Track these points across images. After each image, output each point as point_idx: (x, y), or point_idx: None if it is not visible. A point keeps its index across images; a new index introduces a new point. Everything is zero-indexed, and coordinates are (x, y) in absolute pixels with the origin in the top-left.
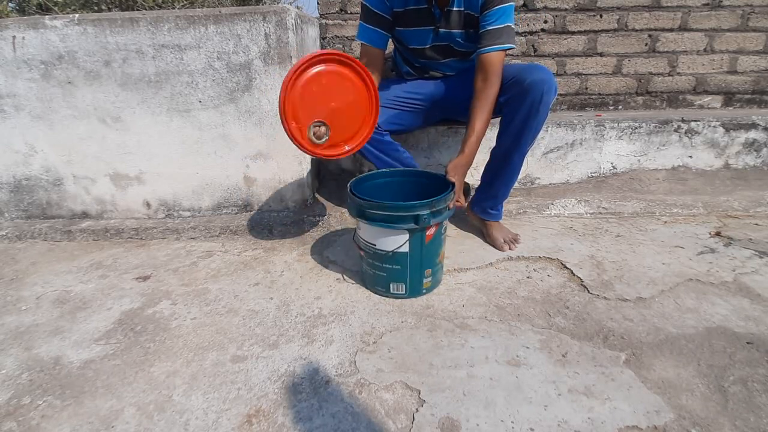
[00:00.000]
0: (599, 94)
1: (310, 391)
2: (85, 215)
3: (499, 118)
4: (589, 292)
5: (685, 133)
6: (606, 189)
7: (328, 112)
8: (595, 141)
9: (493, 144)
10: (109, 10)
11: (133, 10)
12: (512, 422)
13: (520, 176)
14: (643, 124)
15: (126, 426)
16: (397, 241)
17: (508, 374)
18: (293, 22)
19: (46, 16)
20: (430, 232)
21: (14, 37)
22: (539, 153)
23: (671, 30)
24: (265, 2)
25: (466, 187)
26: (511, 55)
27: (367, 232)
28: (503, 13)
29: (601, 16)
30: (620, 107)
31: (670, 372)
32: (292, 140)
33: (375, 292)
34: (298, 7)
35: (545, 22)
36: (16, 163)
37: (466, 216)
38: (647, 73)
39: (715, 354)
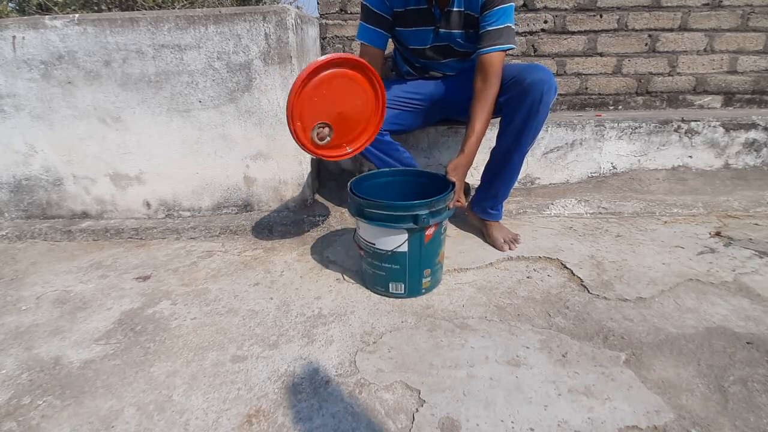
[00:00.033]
0: (599, 94)
1: (310, 391)
2: (85, 215)
3: (499, 118)
4: (589, 292)
5: (685, 133)
6: (606, 189)
7: (335, 115)
8: (595, 141)
9: (493, 144)
10: (109, 10)
11: (133, 10)
12: (512, 422)
13: (520, 176)
14: (643, 124)
15: (126, 426)
16: (396, 241)
17: (508, 374)
18: (293, 22)
19: (46, 16)
20: (429, 232)
21: (14, 37)
22: (539, 153)
23: (671, 30)
24: (265, 2)
25: (466, 187)
26: (511, 55)
27: (367, 232)
28: (503, 13)
29: (601, 16)
30: (620, 107)
31: (670, 372)
32: (295, 140)
33: (375, 292)
34: (298, 7)
35: (545, 22)
36: (16, 163)
37: (466, 216)
38: (647, 73)
39: (715, 354)
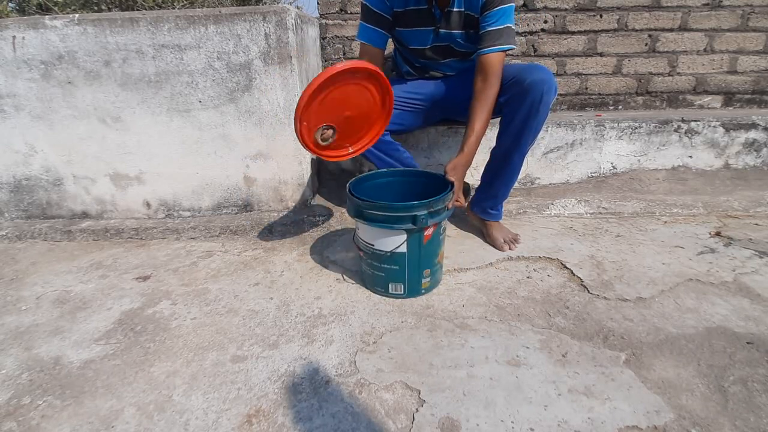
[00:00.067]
0: (599, 94)
1: (310, 391)
2: (85, 215)
3: (499, 118)
4: (589, 292)
5: (685, 133)
6: (606, 189)
7: (341, 118)
8: (595, 141)
9: (493, 144)
10: (109, 10)
11: (133, 10)
12: (512, 422)
13: (520, 176)
14: (643, 124)
15: (126, 426)
16: (395, 242)
17: (508, 374)
18: (293, 22)
19: (46, 16)
20: (428, 232)
21: (14, 37)
22: (539, 153)
23: (671, 30)
24: (265, 2)
25: (466, 187)
26: (511, 55)
27: (366, 233)
28: (503, 14)
29: (601, 16)
30: (620, 107)
31: (670, 372)
32: (300, 141)
33: (374, 292)
34: (298, 7)
35: (545, 22)
36: (16, 163)
37: (466, 216)
38: (647, 73)
39: (715, 354)
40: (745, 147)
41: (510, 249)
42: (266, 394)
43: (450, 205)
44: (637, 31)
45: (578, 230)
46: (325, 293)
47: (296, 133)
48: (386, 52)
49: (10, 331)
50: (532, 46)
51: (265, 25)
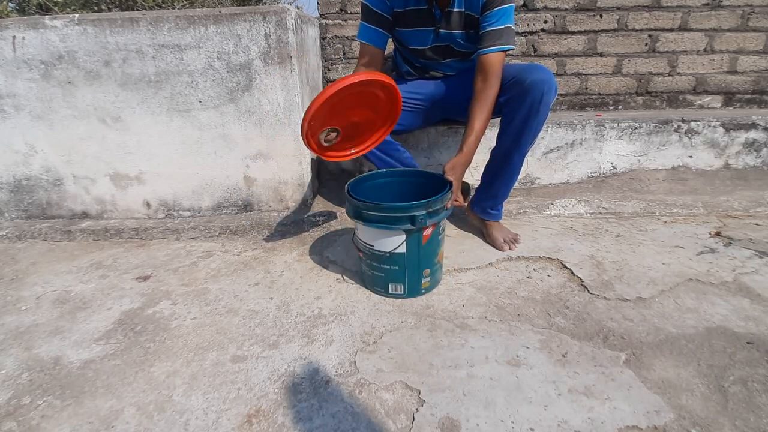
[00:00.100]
0: (599, 94)
1: (310, 391)
2: (85, 215)
3: (499, 118)
4: (589, 292)
5: (685, 133)
6: (606, 189)
7: (347, 123)
8: (595, 141)
9: (493, 144)
10: (109, 10)
11: (133, 10)
12: (512, 422)
13: (520, 176)
14: (643, 124)
15: (126, 426)
16: (394, 242)
17: (508, 374)
18: (293, 22)
19: (46, 16)
20: (427, 232)
21: (14, 37)
22: (539, 153)
23: (671, 30)
24: (265, 2)
25: (466, 187)
26: (511, 55)
27: (365, 234)
28: (503, 14)
29: (601, 16)
30: (620, 107)
31: (670, 372)
32: (305, 143)
33: (374, 293)
34: (298, 7)
35: (545, 22)
36: (16, 163)
37: (466, 216)
38: (647, 73)
39: (715, 354)
40: (745, 147)
41: (510, 249)
42: (266, 394)
43: (449, 205)
44: (637, 31)
45: (578, 230)
46: (325, 293)
47: (302, 138)
48: (386, 52)
49: (10, 331)
50: (532, 46)
51: (265, 25)
